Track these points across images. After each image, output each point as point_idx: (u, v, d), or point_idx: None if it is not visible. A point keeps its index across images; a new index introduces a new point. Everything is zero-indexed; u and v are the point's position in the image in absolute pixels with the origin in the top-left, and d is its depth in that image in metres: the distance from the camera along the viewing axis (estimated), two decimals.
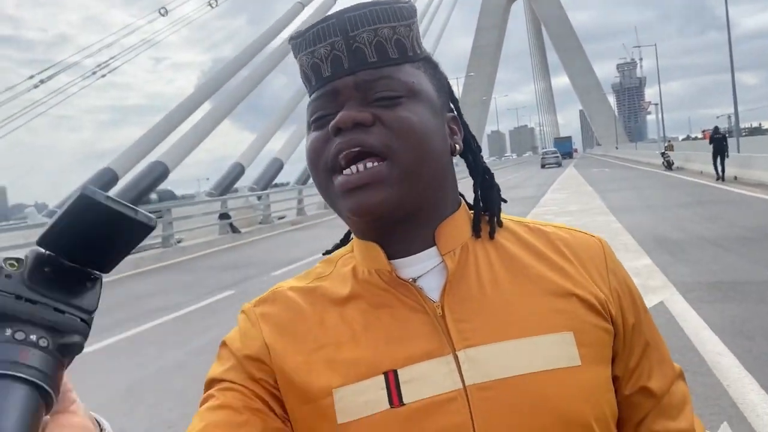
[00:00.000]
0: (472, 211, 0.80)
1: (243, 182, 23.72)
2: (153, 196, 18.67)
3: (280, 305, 0.77)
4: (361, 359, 0.69)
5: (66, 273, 0.45)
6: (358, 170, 0.68)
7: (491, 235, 0.77)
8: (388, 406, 0.67)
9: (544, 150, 70.50)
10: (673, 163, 30.52)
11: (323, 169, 0.71)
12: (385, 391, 0.67)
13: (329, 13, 0.73)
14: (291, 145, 27.70)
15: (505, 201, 0.84)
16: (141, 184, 18.09)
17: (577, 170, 42.00)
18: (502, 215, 0.81)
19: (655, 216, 12.78)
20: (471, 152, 0.82)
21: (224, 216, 17.68)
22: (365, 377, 0.68)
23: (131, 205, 0.45)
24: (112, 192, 17.37)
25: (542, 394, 0.67)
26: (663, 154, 32.05)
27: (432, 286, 0.73)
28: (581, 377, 0.68)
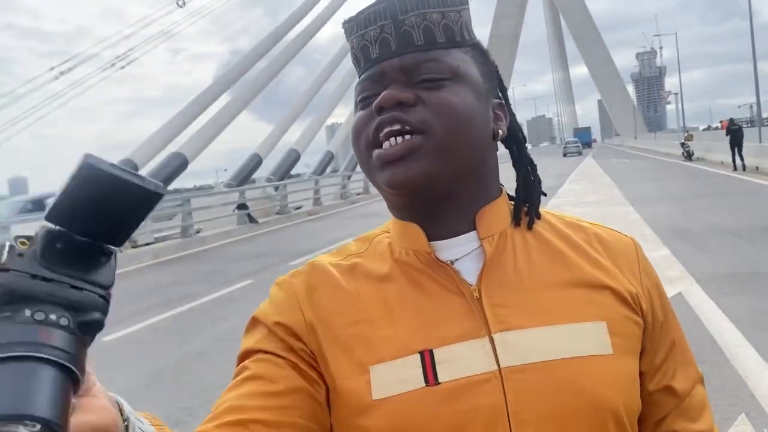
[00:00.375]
0: (512, 202, 0.81)
1: (260, 173, 23.83)
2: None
3: (316, 278, 0.78)
4: (398, 338, 0.71)
5: (79, 248, 0.42)
6: (396, 143, 0.70)
7: (529, 226, 0.79)
8: (424, 384, 0.68)
9: (566, 140, 77.61)
10: (693, 154, 30.17)
11: (365, 144, 0.74)
12: (420, 370, 0.69)
13: None
14: (307, 136, 27.76)
15: (545, 194, 0.85)
16: (161, 174, 18.19)
17: (595, 160, 41.64)
18: (540, 208, 0.82)
19: (674, 207, 12.67)
20: (516, 142, 0.83)
21: (242, 206, 17.78)
22: (401, 355, 0.70)
23: (138, 173, 0.42)
24: None
25: (574, 379, 0.68)
26: (682, 144, 31.69)
27: (470, 270, 0.74)
28: (612, 366, 0.70)
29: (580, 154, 60.31)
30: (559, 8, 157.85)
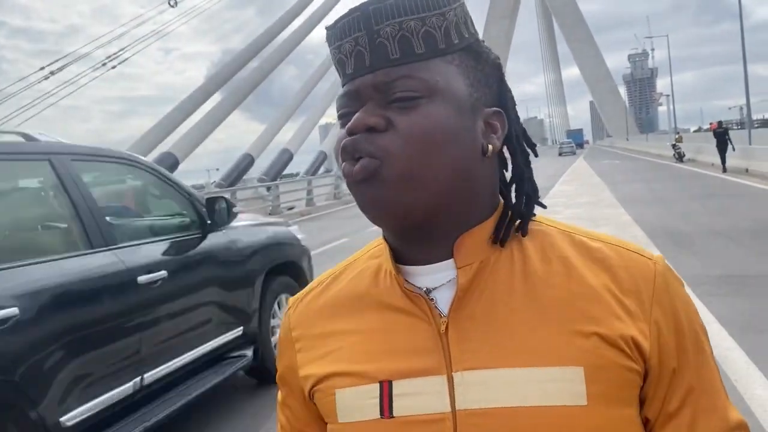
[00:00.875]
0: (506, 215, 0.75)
1: (252, 173, 23.79)
2: None
3: (309, 300, 0.81)
4: (365, 365, 0.71)
5: None
6: (362, 166, 0.67)
7: (502, 243, 0.72)
8: (379, 416, 0.68)
9: (561, 142, 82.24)
10: (684, 155, 30.32)
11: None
12: (377, 401, 0.68)
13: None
14: (300, 135, 27.74)
15: (544, 206, 0.78)
16: None
17: (586, 162, 41.78)
18: (550, 221, 0.76)
19: (664, 208, 12.72)
20: (512, 150, 0.76)
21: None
22: (363, 383, 0.70)
23: None
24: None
25: (534, 430, 0.63)
26: (674, 146, 31.84)
27: (447, 299, 0.70)
28: (583, 419, 0.64)
29: (574, 153, 64.84)
30: (551, 10, 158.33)
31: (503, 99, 0.75)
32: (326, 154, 29.94)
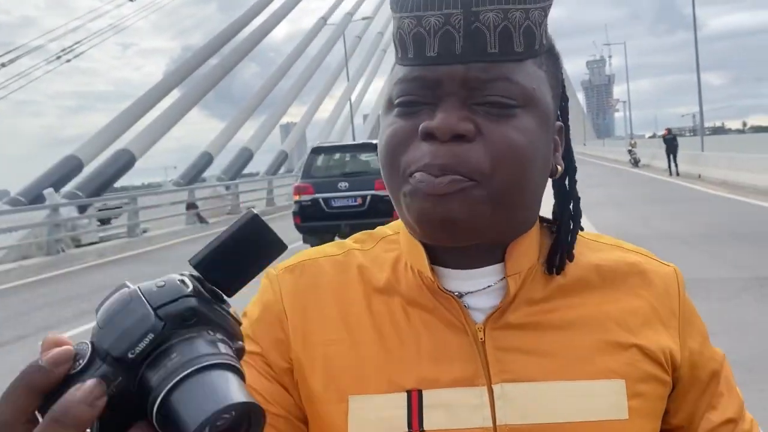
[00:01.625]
0: (551, 232, 0.70)
1: (211, 171, 23.46)
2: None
3: (306, 281, 0.68)
4: (386, 368, 0.62)
5: (210, 292, 0.45)
6: (446, 180, 0.57)
7: (558, 271, 0.66)
8: (406, 429, 0.60)
9: None
10: (639, 161, 31.02)
11: (399, 170, 0.60)
12: (405, 411, 0.61)
13: None
14: (261, 134, 27.47)
15: (582, 229, 0.71)
16: (106, 172, 17.72)
17: None
18: (586, 234, 0.72)
19: (622, 212, 12.96)
20: (569, 172, 0.69)
21: (191, 206, 17.42)
22: (387, 390, 0.62)
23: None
24: (77, 180, 17.01)
25: None
26: (630, 151, 32.54)
27: (480, 306, 0.64)
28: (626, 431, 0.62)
29: None
30: None
31: (564, 111, 0.68)
32: (287, 154, 29.74)
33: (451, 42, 0.57)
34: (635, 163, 30.98)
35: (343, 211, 9.49)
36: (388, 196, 0.64)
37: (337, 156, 10.75)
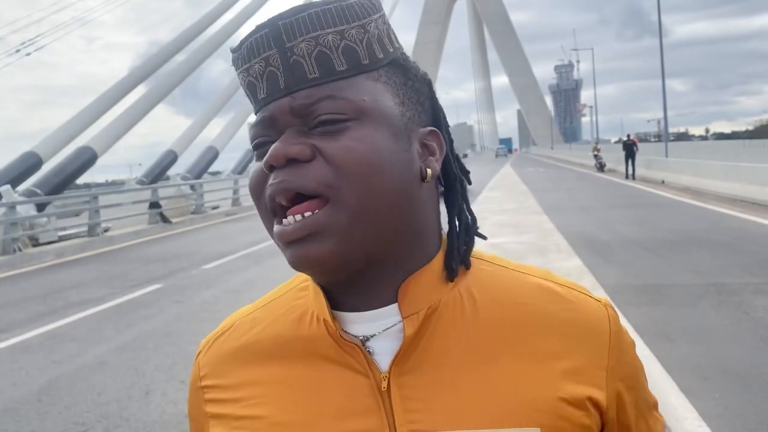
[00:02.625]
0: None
1: (175, 170, 23.11)
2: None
3: (224, 345, 0.70)
4: (293, 425, 0.61)
5: None
6: (295, 220, 0.58)
7: (451, 278, 0.65)
8: None
9: (498, 147, 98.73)
10: (605, 165, 31.50)
11: (264, 210, 0.62)
12: None
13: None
14: (227, 133, 27.15)
15: (485, 238, 0.72)
16: (67, 169, 17.30)
17: (513, 169, 42.84)
18: (497, 259, 0.70)
19: (586, 217, 13.12)
20: (452, 176, 0.69)
21: (155, 205, 17.15)
22: None
23: None
24: (36, 177, 16.60)
25: None
26: (596, 156, 33.04)
27: (386, 350, 0.62)
28: None
29: (506, 156, 75.70)
30: (483, 18, 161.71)
31: (437, 118, 0.68)
32: None
33: (275, 80, 0.60)
34: (601, 167, 31.45)
35: None
36: None
37: None
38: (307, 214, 0.58)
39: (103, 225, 15.32)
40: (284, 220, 0.59)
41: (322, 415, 0.61)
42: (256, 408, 0.64)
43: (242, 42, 0.63)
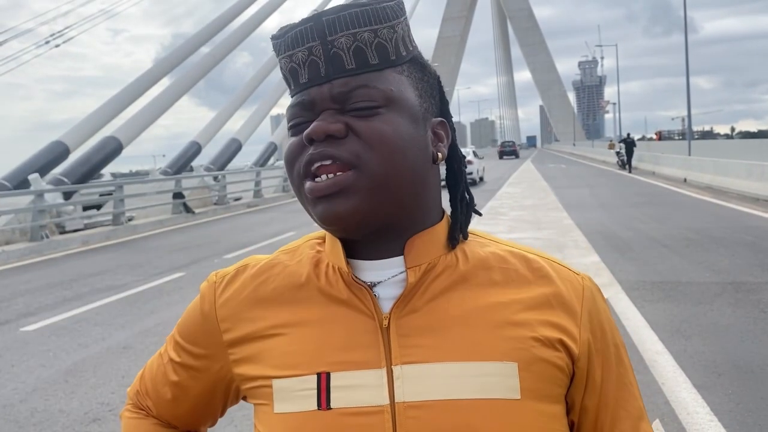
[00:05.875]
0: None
1: (200, 161, 23.34)
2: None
3: (241, 282, 0.79)
4: (301, 354, 0.71)
5: None
6: (326, 178, 0.68)
7: (453, 245, 0.75)
8: (316, 407, 0.69)
9: (503, 141, 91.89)
10: (627, 163, 31.16)
11: (297, 175, 0.71)
12: (315, 392, 0.69)
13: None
14: (250, 125, 27.33)
15: (480, 214, 0.83)
16: (93, 159, 17.59)
17: (534, 165, 42.56)
18: (492, 238, 0.80)
19: (606, 214, 13.06)
20: (456, 160, 0.80)
21: (178, 195, 17.36)
22: (301, 373, 0.70)
23: None
24: (63, 166, 16.89)
25: (471, 421, 0.66)
26: (618, 153, 32.71)
27: (388, 295, 0.72)
28: (517, 411, 0.67)
29: (517, 156, 67.03)
30: (506, 13, 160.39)
31: (444, 110, 0.79)
32: (276, 145, 29.61)
33: (317, 68, 0.70)
34: (623, 164, 31.15)
35: None
36: None
37: None
38: (338, 173, 0.67)
39: (128, 214, 15.56)
40: (317, 178, 0.68)
41: (329, 346, 0.71)
42: (272, 340, 0.74)
43: (286, 30, 0.72)
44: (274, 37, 0.74)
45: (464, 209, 0.79)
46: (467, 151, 26.07)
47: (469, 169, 24.34)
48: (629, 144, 29.43)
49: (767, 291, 6.18)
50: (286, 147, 0.74)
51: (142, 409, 0.88)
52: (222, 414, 0.87)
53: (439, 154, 0.75)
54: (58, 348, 5.51)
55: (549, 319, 0.72)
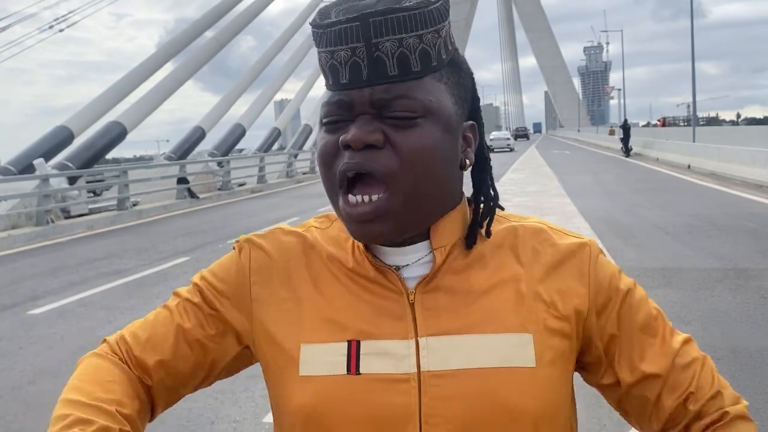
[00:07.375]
0: (472, 210, 0.81)
1: (203, 146, 23.34)
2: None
3: (273, 248, 0.82)
4: (333, 323, 0.76)
5: None
6: (362, 200, 0.71)
7: (469, 246, 0.78)
8: (345, 372, 0.73)
9: (498, 132, 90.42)
10: (631, 149, 31.05)
11: (332, 177, 0.73)
12: (345, 358, 0.73)
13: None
14: (254, 110, 27.28)
15: (503, 209, 0.85)
16: (97, 144, 17.61)
17: (538, 151, 42.43)
18: (501, 213, 0.84)
19: (609, 200, 13.06)
20: (481, 167, 0.82)
21: (182, 180, 17.39)
22: (331, 340, 0.75)
23: None
24: (68, 151, 16.91)
25: (492, 388, 0.71)
26: (622, 139, 32.61)
27: (412, 275, 0.77)
28: (533, 377, 0.72)
29: (527, 138, 67.92)
30: None
31: (475, 111, 0.80)
32: (280, 131, 29.57)
33: (358, 70, 0.70)
34: (627, 151, 31.05)
35: None
36: None
37: None
38: (373, 197, 0.70)
39: (132, 199, 15.61)
40: (350, 197, 0.71)
41: (359, 318, 0.75)
42: (300, 306, 0.78)
43: (330, 24, 0.70)
44: (315, 26, 0.72)
45: (487, 210, 0.81)
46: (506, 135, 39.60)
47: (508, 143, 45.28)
48: (627, 129, 32.27)
49: None
50: (318, 141, 0.75)
51: (116, 354, 0.81)
52: (215, 378, 0.84)
53: (467, 160, 0.77)
54: (64, 331, 5.57)
55: (559, 286, 0.77)
